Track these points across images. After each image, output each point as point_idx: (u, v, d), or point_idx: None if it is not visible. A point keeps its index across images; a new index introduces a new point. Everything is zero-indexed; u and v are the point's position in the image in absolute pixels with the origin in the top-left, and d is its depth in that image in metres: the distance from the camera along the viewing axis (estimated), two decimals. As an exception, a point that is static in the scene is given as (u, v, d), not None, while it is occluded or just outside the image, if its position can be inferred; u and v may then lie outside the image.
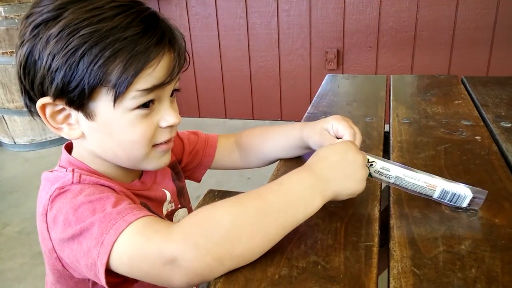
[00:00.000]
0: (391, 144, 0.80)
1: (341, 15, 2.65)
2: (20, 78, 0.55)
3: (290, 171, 0.53)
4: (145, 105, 0.55)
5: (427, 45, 2.57)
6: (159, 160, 0.61)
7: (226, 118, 3.11)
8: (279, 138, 0.76)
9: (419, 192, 0.58)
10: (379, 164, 0.58)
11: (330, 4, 2.65)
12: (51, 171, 0.59)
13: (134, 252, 0.46)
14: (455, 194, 0.57)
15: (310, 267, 0.48)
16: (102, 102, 0.53)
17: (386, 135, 0.86)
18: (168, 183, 0.71)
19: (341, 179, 0.53)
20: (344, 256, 0.49)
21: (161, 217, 0.66)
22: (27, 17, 0.54)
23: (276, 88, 2.94)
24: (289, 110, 2.97)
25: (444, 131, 0.84)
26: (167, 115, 0.58)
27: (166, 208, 0.70)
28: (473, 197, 0.56)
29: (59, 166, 0.60)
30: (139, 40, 0.51)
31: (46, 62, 0.51)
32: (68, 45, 0.50)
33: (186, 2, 2.87)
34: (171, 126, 0.59)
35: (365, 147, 0.79)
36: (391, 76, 1.22)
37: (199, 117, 3.15)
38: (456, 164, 0.71)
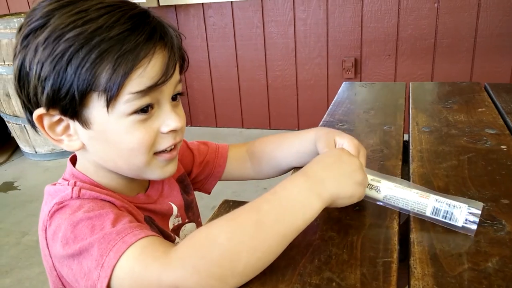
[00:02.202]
0: (410, 153, 0.76)
1: (359, 24, 2.62)
2: (17, 92, 0.54)
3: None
4: (143, 110, 0.52)
5: (448, 53, 2.51)
6: (163, 169, 0.58)
7: (242, 127, 3.10)
8: (294, 142, 0.73)
9: (411, 211, 0.54)
10: (370, 176, 0.56)
11: (348, 13, 2.62)
12: (54, 184, 0.57)
13: (134, 281, 0.45)
14: (448, 209, 0.52)
15: (323, 284, 0.45)
16: (96, 109, 0.51)
17: (405, 144, 0.82)
18: (175, 197, 0.69)
19: (337, 179, 0.51)
20: (360, 272, 0.46)
21: (166, 232, 0.64)
22: (19, 29, 0.53)
23: (293, 98, 2.92)
24: (306, 120, 2.94)
25: (467, 140, 0.80)
26: (168, 119, 0.54)
27: (173, 222, 0.68)
28: (469, 212, 0.51)
29: (62, 178, 0.59)
30: (127, 38, 0.49)
31: (36, 71, 0.49)
32: (55, 51, 0.48)
33: (204, 13, 2.89)
34: (174, 132, 0.56)
35: (384, 156, 0.75)
36: (410, 83, 1.18)
37: (216, 126, 3.15)
38: (481, 174, 0.67)
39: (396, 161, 0.74)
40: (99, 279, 0.45)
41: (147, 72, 0.50)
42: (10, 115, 2.69)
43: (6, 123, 2.79)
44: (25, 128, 2.76)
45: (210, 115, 3.14)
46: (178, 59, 0.55)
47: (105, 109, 0.50)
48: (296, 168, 0.73)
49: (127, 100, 0.50)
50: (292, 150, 0.73)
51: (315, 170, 0.51)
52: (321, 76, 2.81)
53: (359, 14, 2.61)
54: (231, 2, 2.80)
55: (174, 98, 0.57)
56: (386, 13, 2.55)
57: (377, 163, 0.73)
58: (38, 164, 2.76)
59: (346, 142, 0.63)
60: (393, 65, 2.65)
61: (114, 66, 0.48)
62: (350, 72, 2.70)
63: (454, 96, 1.07)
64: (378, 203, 0.56)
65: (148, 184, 0.66)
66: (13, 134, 2.80)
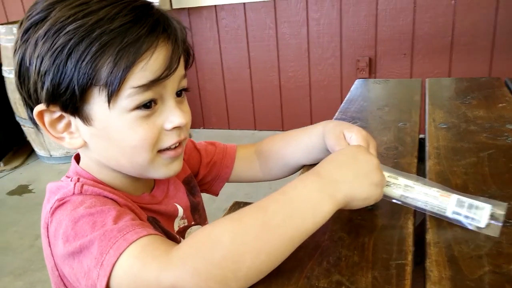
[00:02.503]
0: (427, 150, 0.73)
1: (373, 22, 2.58)
2: (18, 88, 0.53)
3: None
4: (146, 106, 0.50)
5: (466, 50, 2.45)
6: (168, 168, 0.56)
7: (255, 129, 3.08)
8: (301, 138, 0.70)
9: (430, 210, 0.51)
10: (386, 173, 0.52)
11: (362, 12, 2.58)
12: (56, 182, 0.56)
13: (132, 281, 0.43)
14: (470, 210, 0.48)
15: (332, 287, 0.42)
16: (97, 104, 0.49)
17: (421, 142, 0.78)
18: (181, 198, 0.67)
19: (352, 180, 0.47)
20: (372, 276, 0.43)
21: (171, 233, 0.62)
22: (20, 23, 0.51)
23: (306, 99, 2.88)
24: (319, 121, 2.81)
25: (487, 136, 0.76)
26: (171, 115, 0.52)
27: (178, 224, 0.65)
28: (493, 213, 0.48)
29: (66, 176, 0.58)
30: (128, 30, 0.47)
31: (36, 65, 0.48)
32: (55, 44, 0.47)
33: (216, 15, 2.89)
34: (178, 129, 0.54)
35: (398, 154, 0.72)
36: (426, 79, 1.14)
37: (229, 129, 3.13)
38: (502, 172, 0.63)
39: (411, 158, 0.70)
40: (99, 278, 0.43)
41: (149, 65, 0.48)
42: (25, 119, 2.73)
43: (22, 127, 2.83)
44: (40, 132, 2.79)
45: (222, 117, 3.13)
46: (183, 53, 0.53)
47: (106, 104, 0.49)
48: (307, 167, 0.70)
49: (128, 95, 0.48)
50: (300, 146, 0.70)
51: (327, 170, 0.48)
52: (334, 76, 2.77)
53: (374, 13, 2.56)
54: (244, 3, 2.79)
55: (179, 94, 0.55)
56: (402, 11, 2.50)
57: (391, 160, 0.69)
58: (52, 168, 2.79)
59: (354, 134, 0.60)
60: (408, 64, 2.59)
61: (115, 59, 0.47)
62: (364, 72, 2.66)
63: (473, 91, 1.02)
64: (394, 201, 0.53)
65: (153, 184, 0.64)
66: (29, 137, 2.84)
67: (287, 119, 2.98)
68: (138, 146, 0.51)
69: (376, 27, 2.58)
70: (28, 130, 2.79)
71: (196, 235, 0.43)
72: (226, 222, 0.43)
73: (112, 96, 0.48)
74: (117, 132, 0.51)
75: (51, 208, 0.50)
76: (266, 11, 2.77)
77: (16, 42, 0.51)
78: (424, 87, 1.10)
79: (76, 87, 0.47)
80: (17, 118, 2.78)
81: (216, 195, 0.79)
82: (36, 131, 2.78)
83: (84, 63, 0.46)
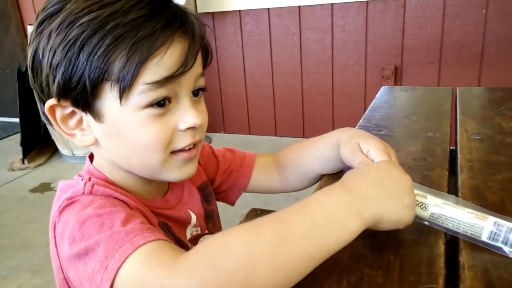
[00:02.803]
0: (459, 163, 0.67)
1: (400, 30, 2.52)
2: (31, 82, 0.51)
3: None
4: (159, 104, 0.48)
5: (496, 60, 2.35)
6: (181, 170, 0.53)
7: (276, 136, 3.04)
8: (317, 148, 0.67)
9: (463, 233, 0.46)
10: (414, 190, 0.47)
11: (388, 19, 2.52)
12: (68, 180, 0.54)
13: (136, 287, 0.40)
14: (510, 235, 0.43)
15: (352, 311, 0.38)
16: (108, 100, 0.47)
17: (452, 153, 0.73)
18: (195, 205, 0.64)
19: (384, 199, 0.43)
20: (397, 300, 0.39)
21: (183, 241, 0.59)
22: (36, 17, 0.50)
23: (328, 106, 2.83)
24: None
25: (526, 150, 0.70)
26: (186, 115, 0.50)
27: (191, 231, 0.62)
28: None
29: (78, 175, 0.56)
30: (143, 24, 0.45)
31: (48, 58, 0.47)
32: (68, 36, 0.45)
33: (240, 20, 2.88)
34: (193, 129, 0.51)
35: (427, 165, 0.67)
36: (457, 88, 1.08)
37: (249, 134, 3.11)
38: (545, 189, 0.57)
39: (441, 171, 0.65)
40: (102, 283, 0.41)
41: (164, 61, 0.46)
42: (50, 118, 2.78)
43: (47, 125, 2.87)
44: (53, 128, 2.83)
45: (243, 122, 3.11)
46: (201, 50, 0.51)
47: (118, 100, 0.47)
48: (326, 177, 0.66)
49: (141, 91, 0.46)
50: (315, 156, 0.66)
51: (358, 185, 0.44)
52: (358, 84, 2.72)
53: (401, 21, 2.50)
54: (268, 9, 2.78)
55: (195, 93, 0.52)
56: (430, 19, 2.44)
57: (419, 172, 0.65)
58: (75, 166, 2.82)
59: (371, 148, 0.55)
60: (436, 73, 2.51)
61: (129, 53, 0.45)
62: (389, 80, 2.59)
63: (508, 102, 0.96)
64: (423, 222, 0.48)
65: (167, 188, 0.61)
66: (53, 136, 2.89)
67: (308, 126, 2.94)
68: (150, 146, 0.49)
69: (403, 34, 2.52)
70: (52, 129, 2.84)
71: (207, 242, 0.40)
72: (241, 231, 0.40)
73: (124, 92, 0.46)
74: (128, 130, 0.49)
75: (59, 207, 0.48)
76: (291, 17, 2.75)
77: (31, 34, 0.50)
78: (454, 96, 1.04)
79: (87, 82, 0.46)
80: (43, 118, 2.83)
81: (232, 204, 0.76)
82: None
83: (96, 56, 0.45)
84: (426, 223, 0.48)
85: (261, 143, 2.94)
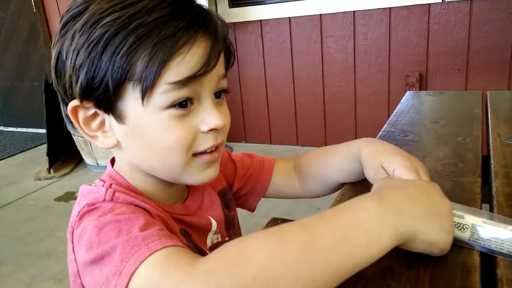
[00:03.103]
0: (492, 169, 0.63)
1: (425, 36, 2.46)
2: (55, 84, 0.51)
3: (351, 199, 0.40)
4: (181, 105, 0.47)
5: (527, 66, 2.27)
6: (202, 173, 0.52)
7: (297, 145, 3.01)
8: (338, 160, 0.64)
9: (507, 254, 0.42)
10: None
11: (412, 25, 2.47)
12: (90, 185, 0.54)
13: None
14: None
15: (379, 328, 0.34)
16: (130, 101, 0.47)
17: (484, 159, 0.69)
18: (216, 211, 0.62)
19: (421, 218, 0.40)
20: (429, 316, 0.35)
21: (203, 249, 0.57)
22: (61, 19, 0.50)
23: (351, 115, 2.79)
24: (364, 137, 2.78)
25: None
26: (208, 116, 0.49)
27: (211, 239, 0.61)
28: None
29: (100, 179, 0.55)
30: (166, 23, 0.45)
31: (71, 59, 0.47)
32: (91, 37, 0.45)
33: (261, 29, 2.89)
34: (215, 131, 0.50)
35: (458, 172, 0.63)
36: (488, 92, 1.03)
37: (270, 143, 3.09)
38: None
39: (474, 177, 0.61)
40: None
41: (186, 61, 0.46)
42: (75, 127, 2.84)
43: (72, 136, 2.94)
44: (89, 141, 2.89)
45: (264, 131, 3.09)
46: (223, 51, 0.51)
47: (140, 101, 0.46)
48: (348, 184, 0.63)
49: (163, 91, 0.46)
50: (336, 167, 0.64)
51: (394, 197, 0.41)
52: (381, 92, 2.66)
53: (425, 27, 2.45)
54: (289, 18, 2.77)
55: (218, 95, 0.52)
56: (456, 25, 2.37)
57: (450, 178, 0.61)
58: (99, 176, 2.82)
59: (397, 168, 0.52)
60: (463, 80, 2.44)
61: (151, 53, 0.44)
62: (414, 88, 2.53)
63: (543, 106, 0.91)
64: (463, 245, 0.44)
65: (187, 194, 0.60)
66: (78, 146, 2.95)
67: (330, 135, 2.89)
68: (172, 148, 0.48)
69: (427, 41, 2.46)
70: (77, 139, 2.89)
71: (227, 247, 0.38)
72: (263, 238, 0.37)
73: (146, 92, 0.46)
74: (150, 131, 0.48)
75: (79, 212, 0.48)
76: (312, 25, 2.73)
77: (55, 36, 0.50)
78: (484, 100, 0.99)
79: (110, 82, 0.46)
80: (68, 128, 2.90)
81: (252, 210, 0.74)
82: (85, 140, 2.88)
83: (119, 56, 0.45)
84: (466, 246, 0.44)
85: (283, 152, 2.91)
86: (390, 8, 2.49)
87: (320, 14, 2.68)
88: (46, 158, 2.90)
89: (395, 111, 0.96)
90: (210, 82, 0.49)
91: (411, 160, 0.52)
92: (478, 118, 0.86)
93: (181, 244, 0.42)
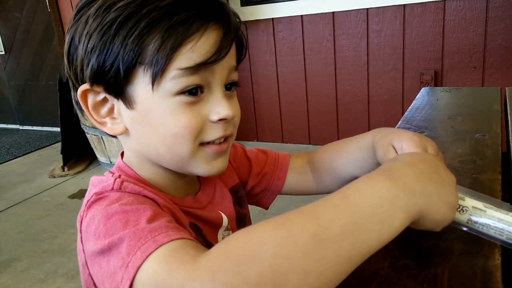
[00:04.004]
0: (512, 166, 0.61)
1: (440, 34, 2.41)
2: (67, 70, 0.52)
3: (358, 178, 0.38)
4: (191, 93, 0.47)
5: (546, 63, 2.21)
6: (210, 164, 0.51)
7: (309, 144, 2.99)
8: (352, 150, 0.62)
9: (507, 240, 0.40)
10: None
11: (427, 22, 2.43)
12: (100, 176, 0.53)
13: (155, 287, 0.37)
14: None
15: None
16: (140, 86, 0.47)
17: (503, 156, 0.66)
18: (227, 206, 0.61)
19: (432, 195, 0.38)
20: (448, 318, 0.34)
21: (213, 245, 0.55)
22: (76, 6, 0.51)
23: (363, 113, 2.75)
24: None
25: None
26: (218, 105, 0.49)
27: (222, 235, 0.60)
28: None
29: (109, 171, 0.55)
30: (179, 9, 0.45)
31: (84, 43, 0.47)
32: (104, 20, 0.45)
33: (273, 28, 2.87)
34: (224, 122, 0.50)
35: (477, 169, 0.61)
36: (506, 88, 1.00)
37: (282, 142, 3.08)
38: None
39: (494, 174, 0.58)
40: (122, 281, 0.39)
41: (198, 47, 0.46)
42: (89, 126, 2.87)
43: (86, 134, 2.97)
44: (102, 139, 2.91)
45: (276, 130, 3.08)
46: (235, 42, 0.50)
47: (150, 86, 0.46)
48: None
49: (174, 77, 0.46)
50: (351, 159, 0.62)
51: (405, 175, 0.39)
52: (395, 90, 2.62)
53: (441, 24, 2.40)
54: (301, 16, 2.76)
55: (228, 88, 0.51)
56: (472, 22, 2.32)
57: (469, 176, 0.59)
58: (111, 174, 2.88)
59: (404, 144, 0.50)
60: (479, 78, 2.39)
61: (163, 37, 0.45)
62: (429, 86, 2.48)
63: None
64: (459, 227, 0.42)
65: (198, 188, 0.59)
66: (92, 145, 2.98)
67: (342, 134, 2.86)
68: (179, 134, 0.48)
69: (443, 38, 2.42)
70: (91, 137, 2.92)
71: (230, 241, 0.36)
72: (268, 231, 0.35)
73: (156, 76, 0.45)
74: (159, 117, 0.48)
75: (87, 201, 0.48)
76: (324, 23, 2.71)
77: (69, 22, 0.50)
78: (504, 96, 0.97)
79: (121, 65, 0.46)
80: (82, 126, 2.93)
81: (267, 208, 0.73)
82: (99, 139, 2.91)
83: (131, 39, 0.45)
84: (464, 229, 0.42)
85: (294, 151, 2.88)
86: (404, 5, 2.46)
87: (333, 12, 2.66)
88: (61, 156, 2.94)
89: (410, 107, 0.94)
90: (221, 72, 0.49)
91: (421, 137, 0.51)
92: (497, 114, 0.84)
93: (188, 236, 0.41)
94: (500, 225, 0.40)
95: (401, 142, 0.51)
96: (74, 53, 0.49)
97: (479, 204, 0.41)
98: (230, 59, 0.50)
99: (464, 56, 2.39)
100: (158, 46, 0.45)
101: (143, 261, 0.38)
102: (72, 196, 2.57)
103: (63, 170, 2.94)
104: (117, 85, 0.47)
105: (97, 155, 3.03)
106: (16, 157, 3.47)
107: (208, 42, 0.46)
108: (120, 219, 0.43)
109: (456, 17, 2.36)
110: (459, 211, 0.42)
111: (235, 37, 0.50)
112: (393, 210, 0.36)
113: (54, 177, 2.90)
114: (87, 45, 0.47)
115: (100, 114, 0.51)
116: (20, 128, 4.41)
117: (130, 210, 0.43)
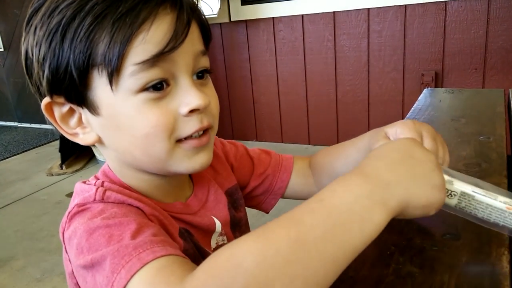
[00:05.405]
0: (518, 170, 0.60)
1: (441, 34, 2.40)
2: (30, 86, 0.49)
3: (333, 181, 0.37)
4: (155, 88, 0.44)
5: (547, 65, 2.20)
6: (192, 160, 0.48)
7: (309, 144, 2.98)
8: (350, 152, 0.61)
9: (493, 223, 0.40)
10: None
11: (428, 23, 2.42)
12: (84, 182, 0.51)
13: None
14: None
15: None
16: (100, 89, 0.44)
17: (510, 159, 0.65)
18: (221, 211, 0.59)
19: (409, 181, 0.37)
20: (456, 328, 0.32)
21: (205, 250, 0.54)
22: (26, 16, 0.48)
23: (363, 114, 2.74)
24: None
25: None
26: (187, 96, 0.45)
27: (216, 240, 0.57)
28: None
29: (94, 176, 0.53)
30: None
31: (35, 54, 0.44)
32: (49, 26, 0.42)
33: (274, 27, 2.86)
34: (198, 113, 0.46)
35: (482, 172, 0.59)
36: (510, 89, 0.99)
37: (282, 142, 3.06)
38: None
39: (499, 178, 0.57)
40: None
41: (150, 36, 0.42)
42: (87, 125, 2.86)
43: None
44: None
45: (276, 130, 3.06)
46: (196, 25, 0.47)
47: (109, 87, 0.43)
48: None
49: (131, 74, 0.42)
50: (349, 160, 0.60)
51: (377, 169, 0.38)
52: (396, 91, 2.61)
53: (442, 25, 2.39)
54: (302, 15, 2.74)
55: (200, 76, 0.48)
56: (473, 23, 2.31)
57: (473, 179, 0.57)
58: (109, 173, 2.87)
59: (398, 128, 0.49)
60: (480, 79, 2.38)
61: (111, 32, 0.41)
62: (429, 87, 2.47)
63: None
64: (448, 210, 0.42)
65: (191, 192, 0.57)
66: (90, 143, 2.96)
67: (342, 135, 2.85)
68: (151, 135, 0.45)
69: (444, 39, 2.41)
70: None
71: (214, 257, 0.35)
72: (250, 242, 0.34)
73: (113, 75, 0.42)
74: (125, 119, 0.45)
75: (69, 213, 0.45)
76: (325, 22, 2.69)
77: (22, 35, 0.48)
78: (507, 98, 0.95)
79: (73, 70, 0.42)
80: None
81: (267, 212, 0.70)
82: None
83: (79, 40, 0.42)
84: (453, 212, 0.42)
85: (294, 151, 2.88)
86: (405, 5, 2.44)
87: (334, 12, 2.64)
88: (59, 154, 2.92)
89: (412, 108, 0.93)
90: (184, 59, 0.45)
91: (415, 122, 0.49)
92: (500, 117, 0.83)
93: (174, 252, 0.39)
94: (488, 210, 0.40)
95: (395, 128, 0.50)
96: (30, 67, 0.46)
97: (467, 188, 0.41)
98: (193, 44, 0.46)
99: (465, 57, 2.38)
100: (107, 42, 0.41)
101: (128, 281, 0.36)
102: (70, 195, 2.54)
103: (61, 168, 2.93)
104: (75, 92, 0.44)
105: (95, 154, 3.01)
106: (14, 155, 3.45)
107: (161, 29, 0.42)
108: (103, 234, 0.41)
109: (457, 18, 2.35)
110: (448, 195, 0.41)
111: (192, 18, 0.45)
112: (371, 206, 0.35)
113: (52, 175, 2.88)
114: (38, 56, 0.44)
115: (70, 126, 0.48)
116: (19, 125, 4.39)
117: (113, 224, 0.41)
